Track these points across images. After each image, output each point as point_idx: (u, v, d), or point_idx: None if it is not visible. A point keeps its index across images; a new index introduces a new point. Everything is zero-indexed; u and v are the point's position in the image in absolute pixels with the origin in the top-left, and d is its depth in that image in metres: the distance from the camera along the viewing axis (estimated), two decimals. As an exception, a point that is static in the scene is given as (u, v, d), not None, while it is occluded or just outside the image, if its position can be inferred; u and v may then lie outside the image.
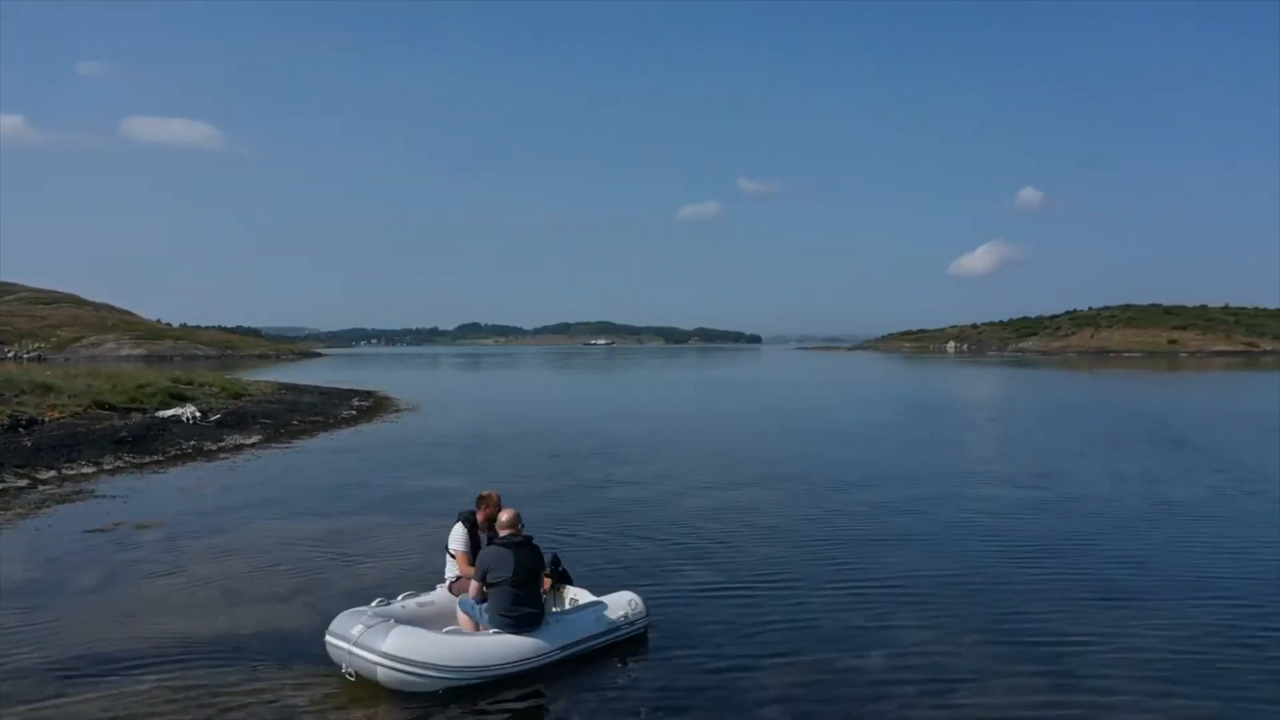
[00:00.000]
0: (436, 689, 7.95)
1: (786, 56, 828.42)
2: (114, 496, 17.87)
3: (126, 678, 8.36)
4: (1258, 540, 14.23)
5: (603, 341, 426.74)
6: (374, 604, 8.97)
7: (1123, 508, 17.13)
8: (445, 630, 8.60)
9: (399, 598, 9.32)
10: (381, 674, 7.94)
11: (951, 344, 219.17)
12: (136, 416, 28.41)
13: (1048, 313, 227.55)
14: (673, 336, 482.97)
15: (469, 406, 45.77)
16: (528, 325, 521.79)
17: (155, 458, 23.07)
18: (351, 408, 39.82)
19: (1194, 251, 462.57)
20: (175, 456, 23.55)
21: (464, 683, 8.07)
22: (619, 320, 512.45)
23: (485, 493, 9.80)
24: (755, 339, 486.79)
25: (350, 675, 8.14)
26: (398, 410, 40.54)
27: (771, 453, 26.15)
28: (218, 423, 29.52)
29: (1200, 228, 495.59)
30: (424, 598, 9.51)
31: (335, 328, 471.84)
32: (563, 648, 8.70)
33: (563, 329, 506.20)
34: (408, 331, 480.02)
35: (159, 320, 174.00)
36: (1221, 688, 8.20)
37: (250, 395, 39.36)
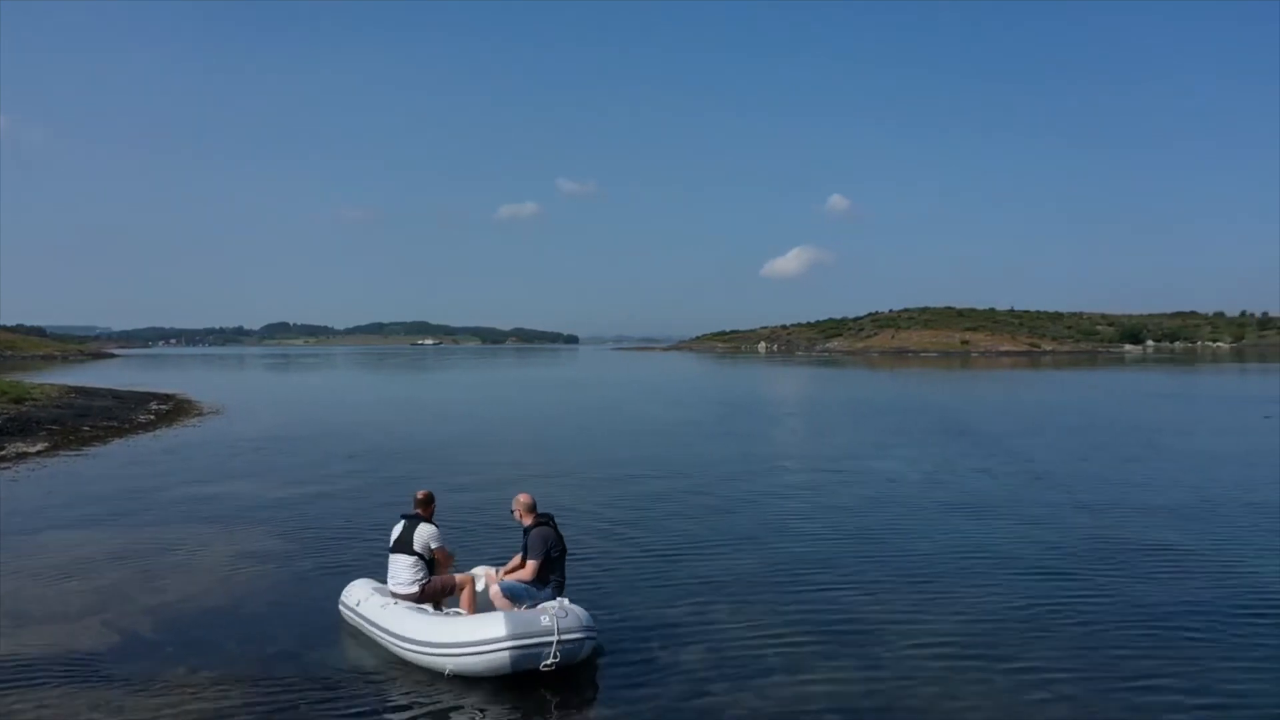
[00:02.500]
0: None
1: (606, 57, 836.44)
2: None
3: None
4: (1035, 523, 15.30)
5: (430, 341, 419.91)
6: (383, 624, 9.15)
7: (920, 496, 18.12)
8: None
9: (405, 607, 9.27)
10: (587, 648, 8.65)
11: (762, 344, 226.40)
12: (-99, 424, 26.02)
13: (852, 314, 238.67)
14: (490, 336, 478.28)
15: (277, 410, 44.06)
16: (339, 325, 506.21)
17: (-77, 469, 21.20)
18: (149, 412, 37.66)
19: (985, 257, 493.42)
20: (-53, 467, 21.70)
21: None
22: (435, 320, 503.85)
23: (427, 492, 10.01)
24: (573, 339, 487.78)
25: (550, 666, 8.28)
26: (200, 414, 38.63)
27: (587, 452, 26.34)
28: (-4, 429, 27.36)
29: (990, 235, 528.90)
30: (408, 605, 9.38)
31: (129, 326, 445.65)
32: None
33: (376, 329, 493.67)
34: (210, 331, 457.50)
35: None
36: (1009, 662, 8.74)
37: (34, 399, 36.62)
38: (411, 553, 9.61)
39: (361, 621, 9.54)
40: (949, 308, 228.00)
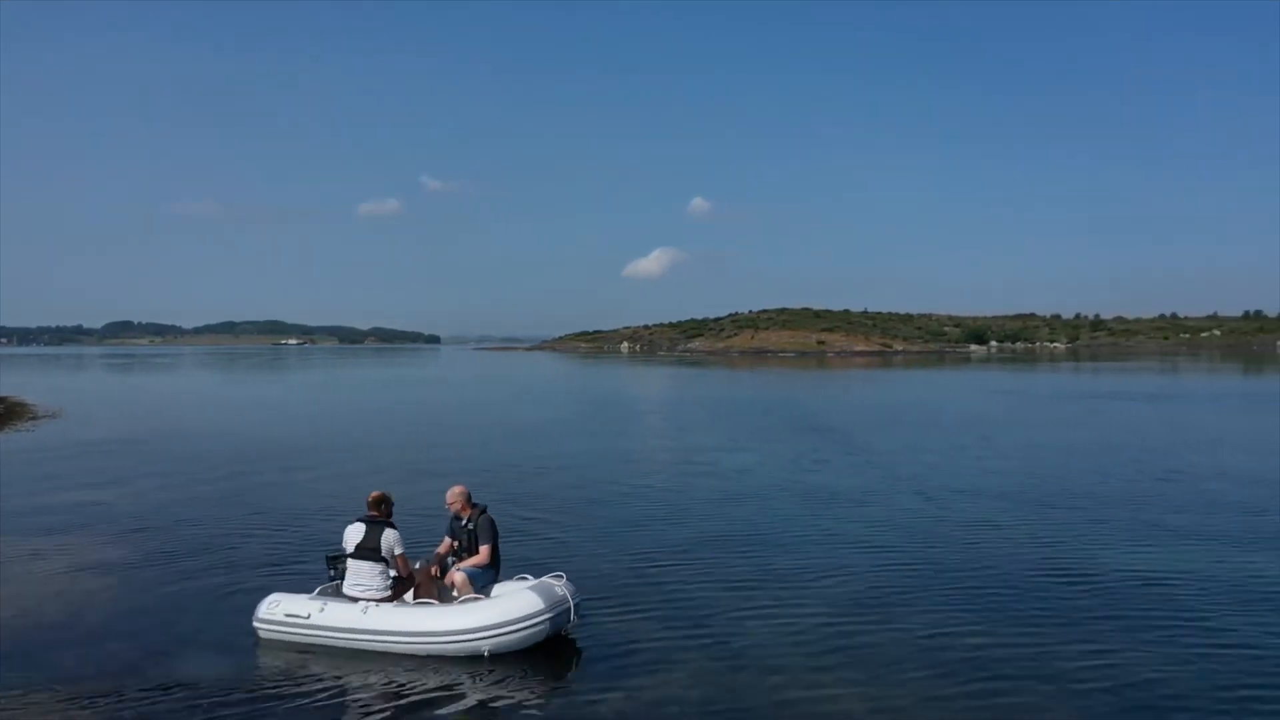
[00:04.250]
0: None
1: (470, 56, 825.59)
2: None
3: None
4: (880, 511, 16.06)
5: (294, 341, 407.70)
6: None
7: (774, 489, 18.70)
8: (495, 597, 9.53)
9: (374, 605, 9.27)
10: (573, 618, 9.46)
11: (625, 344, 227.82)
12: None
13: (713, 315, 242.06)
14: (348, 336, 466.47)
15: (121, 413, 42.18)
16: (187, 324, 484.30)
17: None
18: (-24, 416, 35.61)
19: (840, 259, 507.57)
20: None
21: None
22: (290, 319, 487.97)
23: (381, 493, 9.91)
24: (434, 339, 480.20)
25: (569, 630, 9.42)
26: (34, 418, 36.70)
27: (450, 452, 26.11)
28: None
29: (845, 238, 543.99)
30: (403, 605, 9.49)
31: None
32: None
33: (227, 328, 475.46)
34: (45, 330, 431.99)
35: None
36: (862, 653, 9.15)
37: None
38: (378, 559, 9.51)
39: (321, 633, 9.24)
40: (806, 309, 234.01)
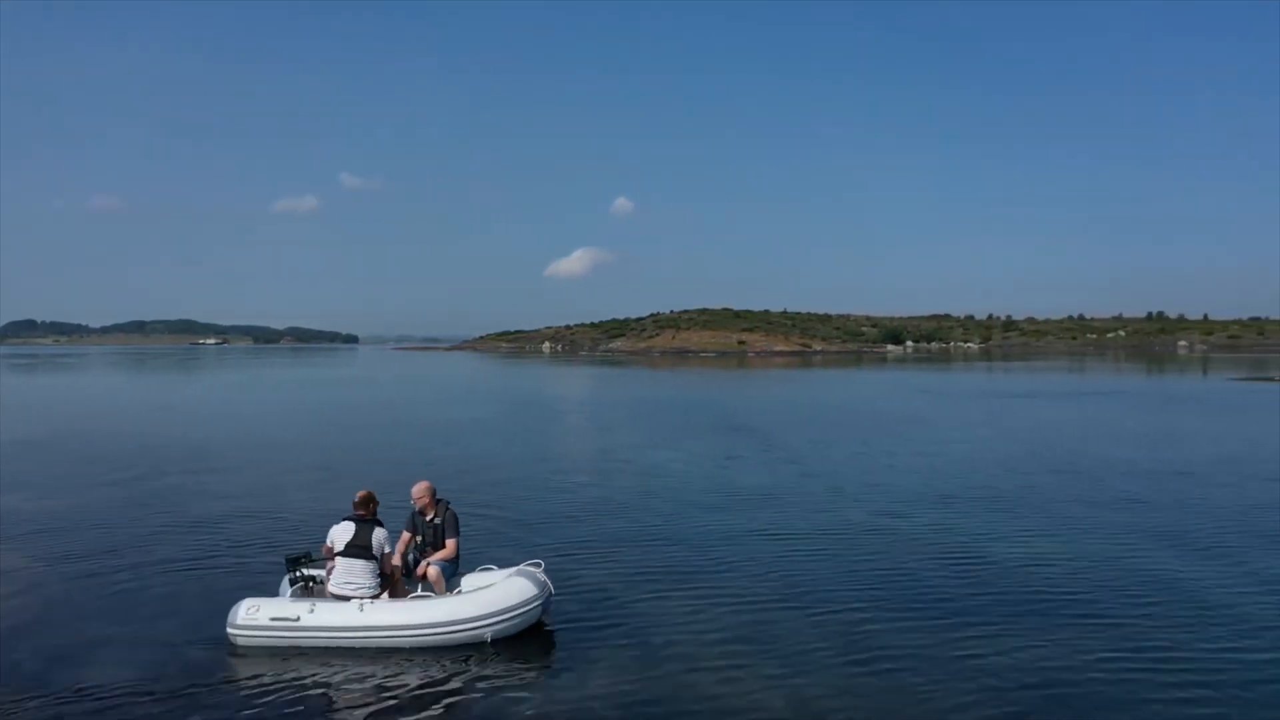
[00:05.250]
0: None
1: (391, 53, 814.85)
2: None
3: None
4: (799, 509, 16.49)
5: (211, 341, 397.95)
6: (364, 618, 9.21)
7: (692, 489, 19.03)
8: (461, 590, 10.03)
9: (367, 604, 9.33)
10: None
11: (547, 344, 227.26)
12: None
13: (635, 315, 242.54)
14: (263, 336, 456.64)
15: (22, 415, 40.97)
16: (94, 323, 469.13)
17: None
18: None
19: (760, 260, 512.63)
20: None
21: None
22: (202, 318, 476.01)
23: (368, 492, 9.93)
24: (352, 339, 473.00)
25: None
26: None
27: (367, 454, 25.97)
28: None
29: (765, 238, 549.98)
30: (400, 600, 9.71)
31: None
32: None
33: (136, 327, 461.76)
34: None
35: None
36: (775, 645, 9.51)
37: None
38: (370, 556, 9.57)
39: (314, 635, 9.15)
40: (727, 309, 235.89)
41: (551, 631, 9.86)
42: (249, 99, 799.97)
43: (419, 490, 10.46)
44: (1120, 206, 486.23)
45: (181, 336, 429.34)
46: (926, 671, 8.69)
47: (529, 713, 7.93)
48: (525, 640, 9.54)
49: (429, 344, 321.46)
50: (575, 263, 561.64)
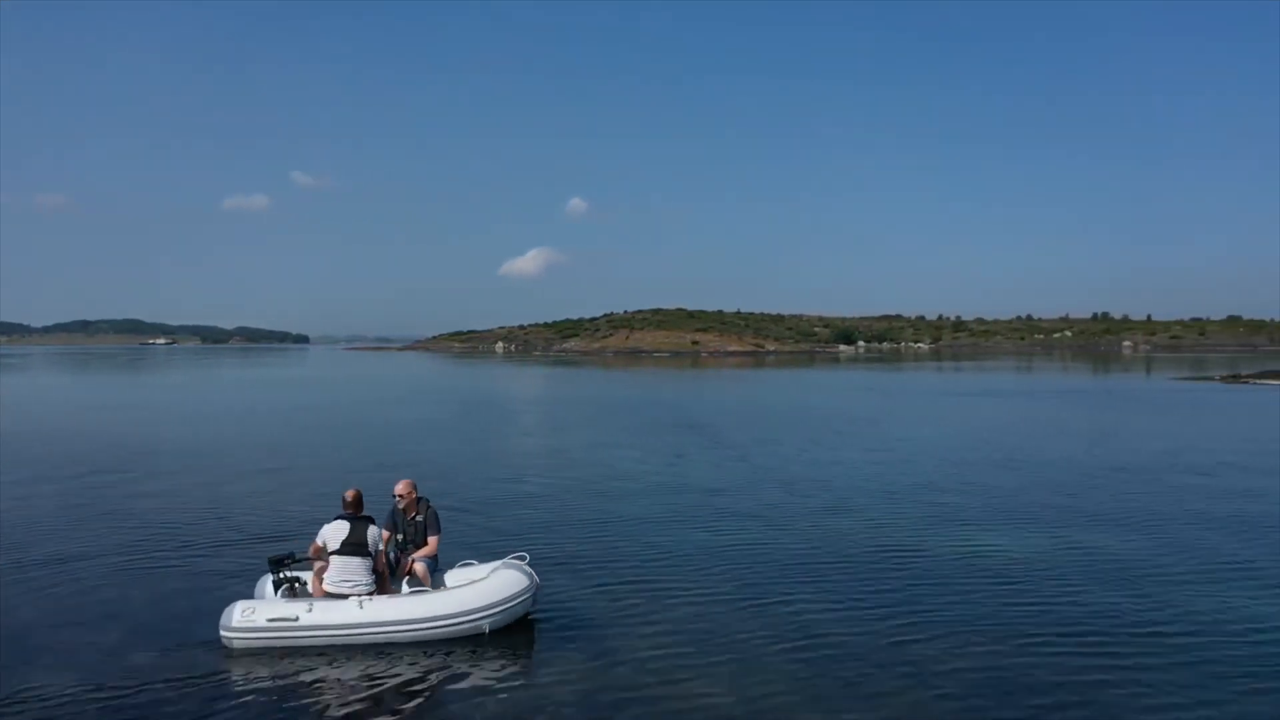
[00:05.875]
0: None
1: (347, 51, 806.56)
2: None
3: None
4: (749, 504, 16.81)
5: (161, 341, 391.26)
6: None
7: (645, 487, 19.29)
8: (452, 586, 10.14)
9: (365, 599, 9.43)
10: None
11: (500, 345, 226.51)
12: None
13: (589, 315, 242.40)
14: (211, 336, 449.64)
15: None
16: (36, 323, 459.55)
17: None
18: None
19: (714, 260, 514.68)
20: None
21: None
22: (149, 318, 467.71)
23: (357, 491, 10.10)
24: (303, 339, 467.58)
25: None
26: None
27: (323, 455, 25.89)
28: None
29: (719, 238, 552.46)
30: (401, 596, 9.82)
31: None
32: None
33: (81, 327, 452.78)
34: None
35: None
36: (725, 643, 9.78)
37: None
38: (365, 554, 9.68)
39: (315, 634, 9.18)
40: (681, 309, 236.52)
41: (534, 621, 10.08)
42: (200, 96, 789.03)
43: (403, 488, 10.60)
44: (1080, 208, 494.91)
45: (128, 336, 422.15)
46: (869, 663, 9.01)
47: (523, 700, 8.16)
48: (511, 631, 9.75)
49: (381, 344, 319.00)
50: (529, 262, 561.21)
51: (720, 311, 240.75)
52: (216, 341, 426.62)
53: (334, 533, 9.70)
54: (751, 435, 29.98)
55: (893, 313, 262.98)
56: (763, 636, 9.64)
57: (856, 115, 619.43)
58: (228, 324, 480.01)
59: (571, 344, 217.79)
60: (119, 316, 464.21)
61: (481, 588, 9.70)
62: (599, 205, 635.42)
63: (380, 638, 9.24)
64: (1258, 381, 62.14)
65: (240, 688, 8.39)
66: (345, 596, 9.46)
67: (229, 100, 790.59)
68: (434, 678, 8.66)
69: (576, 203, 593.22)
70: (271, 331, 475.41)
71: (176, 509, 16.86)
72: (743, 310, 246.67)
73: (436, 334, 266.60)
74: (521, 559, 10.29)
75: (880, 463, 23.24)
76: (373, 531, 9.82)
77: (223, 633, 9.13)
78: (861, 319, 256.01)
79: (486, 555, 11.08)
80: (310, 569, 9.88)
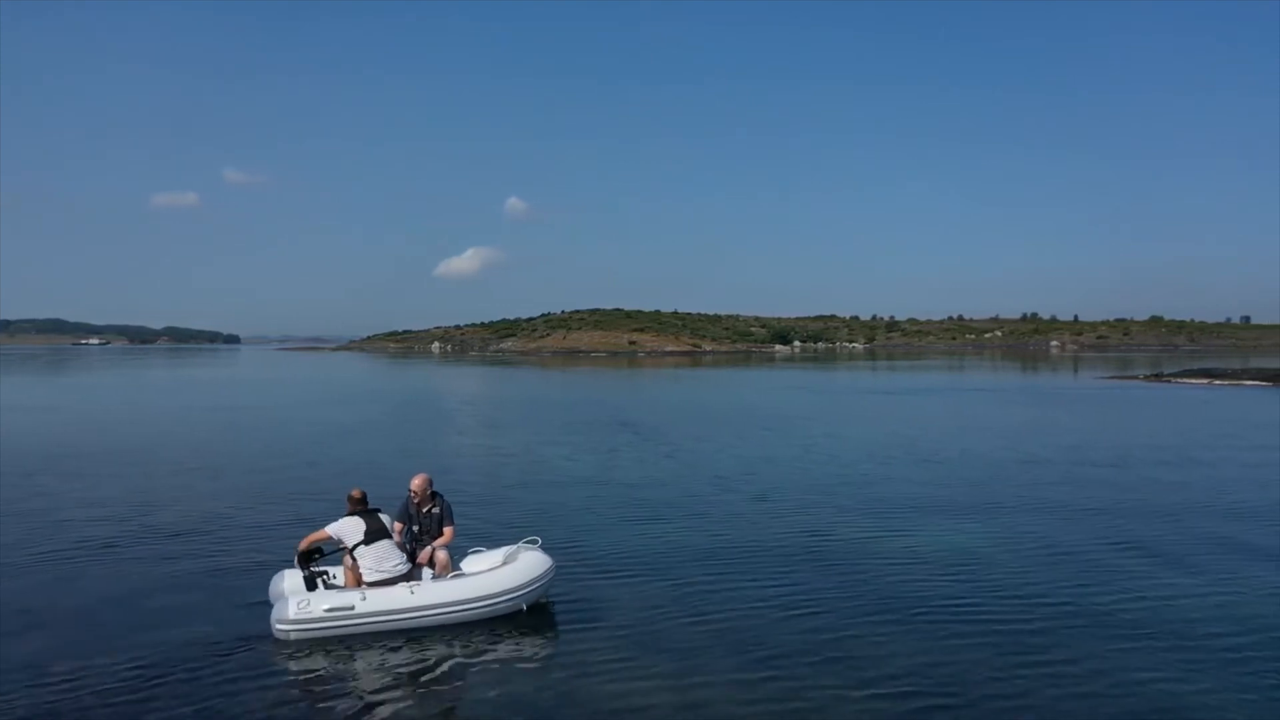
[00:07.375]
0: None
1: (279, 45, 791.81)
2: None
3: None
4: (682, 499, 17.02)
5: (95, 341, 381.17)
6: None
7: (588, 482, 19.42)
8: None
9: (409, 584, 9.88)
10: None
11: (436, 345, 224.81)
12: None
13: (526, 315, 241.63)
14: (139, 335, 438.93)
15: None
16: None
17: None
18: None
19: (651, 260, 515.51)
20: None
21: None
22: (71, 317, 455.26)
23: (361, 490, 10.47)
24: (234, 339, 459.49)
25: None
26: None
27: (250, 458, 25.53)
28: None
29: (654, 239, 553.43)
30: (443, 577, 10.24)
31: None
32: None
33: (2, 327, 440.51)
34: None
35: None
36: (664, 639, 9.95)
37: None
38: (389, 536, 10.13)
39: (370, 621, 9.49)
40: (618, 309, 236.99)
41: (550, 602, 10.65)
42: (129, 90, 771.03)
43: (419, 484, 10.85)
44: (1014, 209, 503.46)
45: (50, 336, 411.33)
46: (796, 654, 9.21)
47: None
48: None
49: (314, 344, 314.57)
50: (466, 262, 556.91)
51: (657, 312, 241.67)
52: (144, 341, 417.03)
53: (353, 527, 10.09)
54: (685, 432, 30.20)
55: (828, 313, 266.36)
56: (703, 647, 9.64)
57: (797, 114, 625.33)
58: (155, 323, 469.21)
59: (508, 344, 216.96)
60: (40, 316, 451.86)
61: (517, 568, 10.23)
62: (538, 205, 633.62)
63: (429, 620, 9.65)
64: (1178, 380, 63.98)
65: (304, 677, 8.61)
66: (391, 581, 9.87)
67: (159, 95, 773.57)
68: (477, 656, 9.09)
69: (515, 202, 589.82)
70: (201, 331, 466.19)
71: (178, 510, 16.55)
72: (680, 311, 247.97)
73: (371, 334, 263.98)
74: (534, 543, 10.72)
75: (809, 458, 23.64)
76: (384, 516, 10.33)
77: (277, 625, 9.31)
78: (797, 319, 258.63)
79: (457, 549, 11.09)
80: (338, 562, 10.20)
